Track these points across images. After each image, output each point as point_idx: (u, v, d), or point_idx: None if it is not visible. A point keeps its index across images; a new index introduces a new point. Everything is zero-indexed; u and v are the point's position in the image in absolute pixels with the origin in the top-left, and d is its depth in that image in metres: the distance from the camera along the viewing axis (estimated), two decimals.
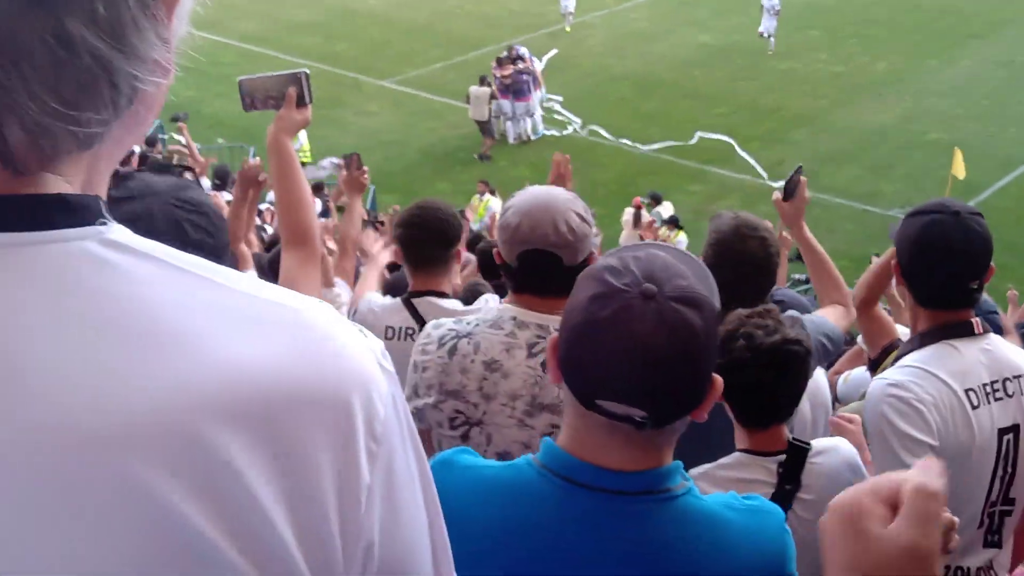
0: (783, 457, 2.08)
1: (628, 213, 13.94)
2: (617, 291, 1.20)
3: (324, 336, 0.70)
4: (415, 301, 2.94)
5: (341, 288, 4.34)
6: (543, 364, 2.00)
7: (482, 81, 17.60)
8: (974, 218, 2.27)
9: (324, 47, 22.86)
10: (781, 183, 3.53)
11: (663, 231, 12.82)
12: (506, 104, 17.85)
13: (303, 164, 4.10)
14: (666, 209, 14.25)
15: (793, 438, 2.13)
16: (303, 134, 14.93)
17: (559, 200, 2.08)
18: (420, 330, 2.51)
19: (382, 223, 8.81)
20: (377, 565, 0.70)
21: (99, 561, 0.59)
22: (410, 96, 20.59)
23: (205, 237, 1.52)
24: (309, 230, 2.34)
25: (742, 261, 2.54)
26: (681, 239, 12.71)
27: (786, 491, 2.03)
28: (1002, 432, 2.25)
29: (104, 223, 0.66)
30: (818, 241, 3.06)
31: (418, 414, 2.10)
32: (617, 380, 1.20)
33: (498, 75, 17.81)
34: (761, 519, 1.33)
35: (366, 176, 4.02)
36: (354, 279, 4.51)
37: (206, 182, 10.99)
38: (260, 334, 0.67)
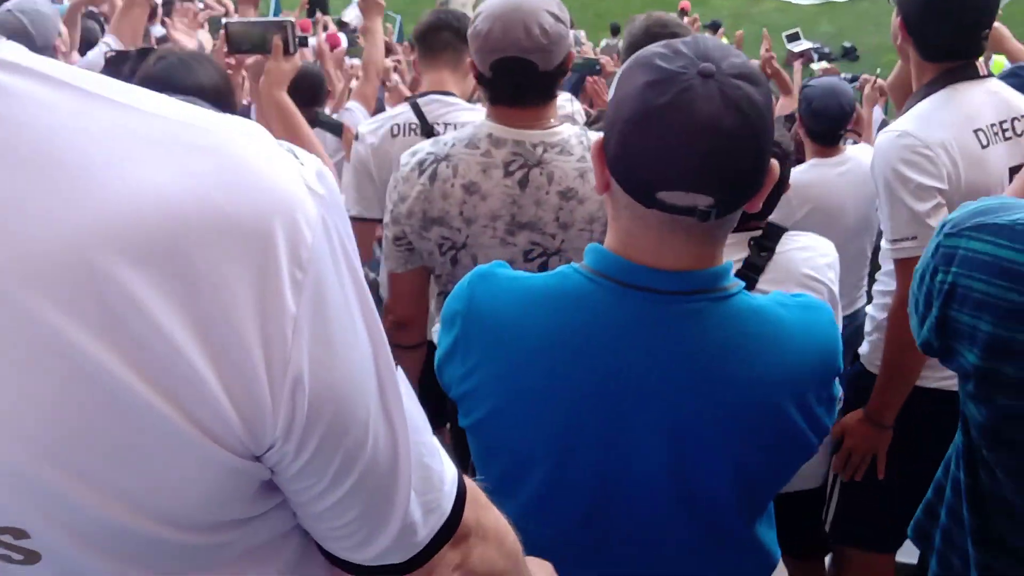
0: (759, 233, 2.07)
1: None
2: (674, 74, 1.16)
3: (242, 159, 0.64)
4: (420, 100, 2.93)
5: (356, 109, 4.43)
6: (519, 182, 2.05)
7: None
8: None
9: None
10: None
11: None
12: None
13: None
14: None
15: (771, 222, 2.12)
16: None
17: (530, 1, 2.01)
18: (422, 127, 2.81)
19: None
20: (309, 398, 0.66)
21: (9, 402, 0.57)
22: None
23: (217, 80, 1.82)
24: None
25: None
26: (723, 44, 12.79)
27: (762, 258, 2.03)
28: (1012, 171, 2.29)
29: None
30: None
31: (406, 243, 2.17)
32: (682, 167, 1.16)
33: None
34: (814, 315, 1.33)
35: None
36: (375, 106, 4.62)
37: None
38: (171, 159, 0.61)
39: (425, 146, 2.18)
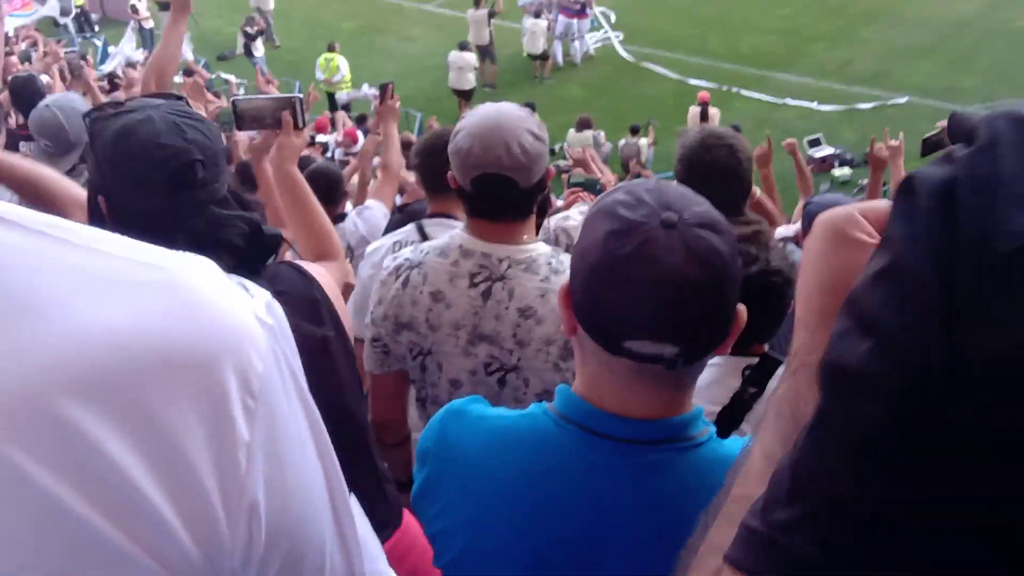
0: (754, 361, 2.08)
1: (694, 111, 13.32)
2: (636, 224, 1.17)
3: (192, 295, 0.66)
4: (426, 222, 3.03)
5: (376, 207, 4.46)
6: (483, 294, 2.10)
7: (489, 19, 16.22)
8: None
9: None
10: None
11: None
12: (573, 24, 17.10)
13: (343, 91, 14.71)
14: (714, 120, 14.03)
15: (769, 351, 2.15)
16: (344, 64, 16.09)
17: (510, 119, 2.05)
18: None
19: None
20: (265, 525, 0.67)
21: None
22: (452, 19, 19.65)
23: (202, 138, 1.62)
24: (333, 250, 2.35)
25: (712, 171, 2.70)
26: None
27: (749, 395, 2.02)
28: None
29: None
30: (893, 141, 4.17)
31: (382, 345, 2.23)
32: (647, 317, 1.16)
33: None
34: None
35: (398, 105, 4.24)
36: (392, 206, 4.68)
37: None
38: (121, 297, 0.63)
39: (406, 252, 2.26)
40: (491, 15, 16.57)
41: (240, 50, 18.02)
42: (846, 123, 14.23)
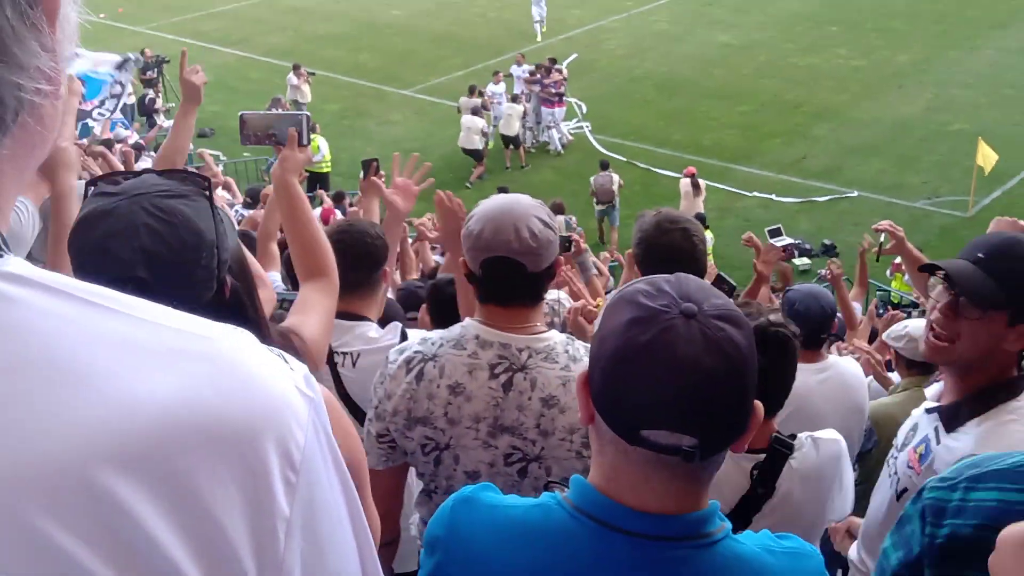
0: (761, 458, 2.06)
1: (685, 184, 14.60)
2: (656, 313, 1.19)
3: (235, 367, 0.68)
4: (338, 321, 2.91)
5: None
6: (504, 385, 2.10)
7: (479, 106, 17.45)
8: None
9: (348, 58, 23.54)
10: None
11: None
12: (558, 112, 18.29)
13: (323, 174, 14.83)
14: (704, 190, 15.08)
15: (777, 434, 2.12)
16: (324, 144, 16.39)
17: (521, 206, 2.13)
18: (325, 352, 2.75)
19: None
20: None
21: None
22: (432, 104, 20.81)
23: (163, 248, 1.45)
24: (325, 265, 2.36)
25: (667, 255, 2.77)
26: (707, 237, 13.78)
27: (758, 495, 2.00)
28: None
29: (1, 255, 0.66)
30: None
31: (389, 440, 2.23)
32: (665, 407, 1.18)
33: (547, 83, 18.14)
34: (801, 563, 1.32)
35: (382, 181, 4.18)
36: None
37: (223, 193, 12.32)
38: (164, 367, 0.65)
39: (413, 344, 2.26)
40: (483, 108, 17.36)
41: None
42: (804, 214, 15.33)
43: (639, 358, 1.18)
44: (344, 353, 2.97)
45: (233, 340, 0.71)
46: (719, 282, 4.24)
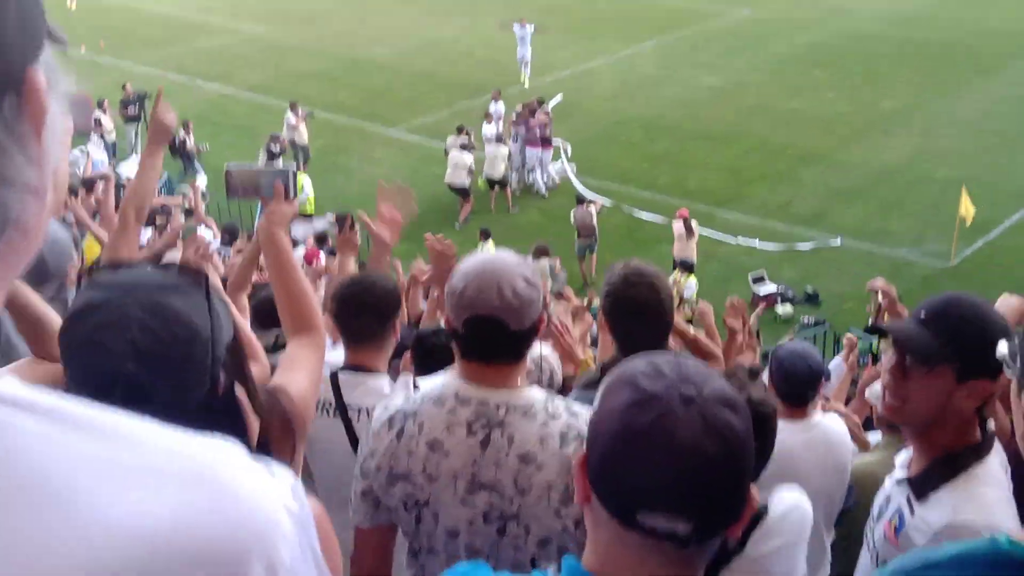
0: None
1: (678, 226, 14.54)
2: (654, 396, 1.21)
3: (221, 488, 0.69)
4: (341, 375, 3.07)
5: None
6: (481, 442, 2.12)
7: (467, 142, 17.52)
8: None
9: (329, 95, 23.25)
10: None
11: (675, 274, 13.33)
12: (544, 154, 18.20)
13: (305, 215, 13.49)
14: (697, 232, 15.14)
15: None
16: (308, 183, 16.12)
17: (505, 265, 2.15)
18: (337, 405, 2.96)
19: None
20: None
21: None
22: (415, 143, 20.81)
23: (152, 342, 1.43)
24: (312, 319, 2.38)
25: (634, 308, 2.85)
26: (691, 283, 13.38)
27: (728, 551, 2.04)
28: None
29: None
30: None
31: (373, 497, 2.25)
32: (663, 491, 1.19)
33: (532, 124, 18.08)
34: None
35: (357, 237, 4.27)
36: None
37: (206, 230, 12.74)
38: (151, 490, 0.65)
39: (397, 402, 2.27)
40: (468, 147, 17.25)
41: (260, 165, 17.44)
42: (787, 262, 15.24)
43: (638, 441, 1.20)
44: (358, 409, 2.97)
45: (220, 458, 0.71)
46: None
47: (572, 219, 15.21)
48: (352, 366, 3.10)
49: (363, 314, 3.06)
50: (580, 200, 15.57)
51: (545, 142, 18.09)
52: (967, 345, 2.03)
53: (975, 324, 2.06)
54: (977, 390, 2.04)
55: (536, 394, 2.19)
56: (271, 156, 17.61)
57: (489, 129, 18.27)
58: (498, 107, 18.90)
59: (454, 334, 2.18)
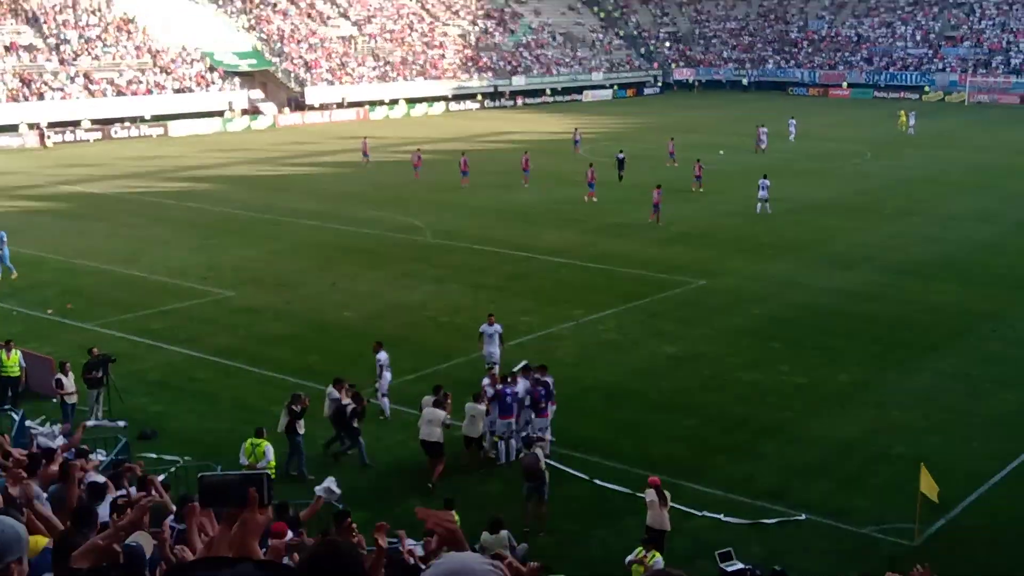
0: None
1: (650, 494, 14.51)
2: None
3: None
4: None
5: None
6: None
7: (441, 399, 17.58)
8: None
9: (297, 360, 23.39)
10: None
11: (638, 551, 13.12)
12: (512, 423, 18.03)
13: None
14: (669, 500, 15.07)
15: None
16: (270, 449, 16.10)
17: (474, 572, 2.18)
18: None
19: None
20: None
21: None
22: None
23: None
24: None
25: None
26: (659, 561, 12.94)
27: None
28: None
29: None
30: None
31: None
32: None
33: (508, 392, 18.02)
34: None
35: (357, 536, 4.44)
36: None
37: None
38: None
39: None
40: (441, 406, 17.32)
41: (281, 428, 17.41)
42: (754, 537, 15.20)
43: None
44: None
45: None
46: None
47: (521, 464, 15.45)
48: None
49: None
50: (528, 444, 15.94)
51: (544, 409, 18.20)
52: None
53: None
54: None
55: None
56: (292, 416, 17.34)
57: (479, 407, 18.08)
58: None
59: None
